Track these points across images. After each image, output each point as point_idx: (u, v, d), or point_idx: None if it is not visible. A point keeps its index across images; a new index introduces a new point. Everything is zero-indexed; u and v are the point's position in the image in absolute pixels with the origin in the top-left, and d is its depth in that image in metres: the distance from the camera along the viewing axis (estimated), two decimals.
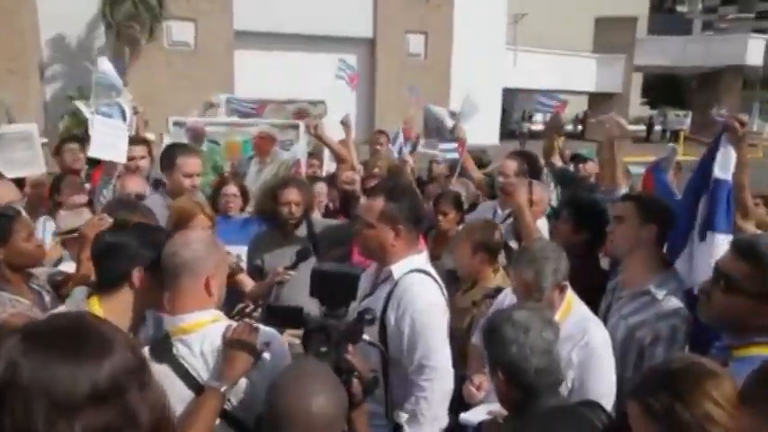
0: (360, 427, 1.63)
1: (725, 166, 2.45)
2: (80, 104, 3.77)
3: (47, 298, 2.43)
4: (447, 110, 5.12)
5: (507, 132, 26.00)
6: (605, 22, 31.31)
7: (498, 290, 2.85)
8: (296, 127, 4.82)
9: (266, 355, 1.72)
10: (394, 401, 2.29)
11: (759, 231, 3.12)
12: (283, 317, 1.73)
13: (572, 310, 2.28)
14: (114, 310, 1.78)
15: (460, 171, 4.50)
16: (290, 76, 17.60)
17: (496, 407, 1.99)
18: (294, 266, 3.14)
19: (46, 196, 3.95)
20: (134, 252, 1.82)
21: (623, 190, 3.17)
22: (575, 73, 29.07)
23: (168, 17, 18.03)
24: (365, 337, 1.71)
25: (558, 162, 4.15)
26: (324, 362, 1.57)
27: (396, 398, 2.31)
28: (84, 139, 3.70)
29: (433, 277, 2.42)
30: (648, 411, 1.29)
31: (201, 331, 1.76)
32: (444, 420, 2.28)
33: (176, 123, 4.85)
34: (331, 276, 1.76)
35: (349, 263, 3.45)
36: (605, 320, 2.45)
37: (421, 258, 2.46)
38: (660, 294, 2.34)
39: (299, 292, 3.38)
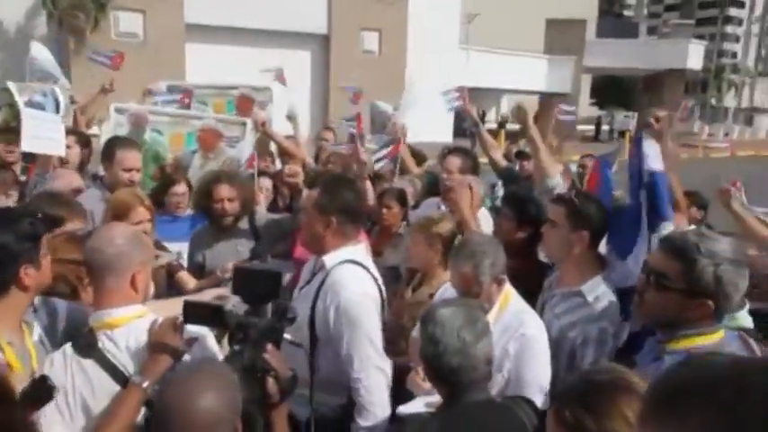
0: (279, 428, 1.62)
1: (655, 158, 2.52)
2: (14, 90, 3.59)
3: None
4: (391, 105, 5.14)
5: (461, 130, 26.32)
6: (556, 24, 32.10)
7: None
8: (243, 124, 4.73)
9: (193, 352, 1.71)
10: (321, 387, 2.37)
11: (691, 227, 3.27)
12: (202, 315, 1.65)
13: (509, 303, 2.32)
14: (3, 315, 1.71)
15: (400, 169, 4.52)
16: (244, 71, 17.29)
17: (436, 398, 2.01)
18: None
19: None
20: (15, 250, 1.70)
21: (555, 181, 3.17)
22: (526, 73, 29.68)
23: (116, 7, 17.48)
24: (287, 336, 1.69)
25: (501, 160, 4.21)
26: (235, 361, 1.54)
27: (323, 384, 2.38)
28: (19, 132, 3.55)
29: (366, 268, 2.45)
30: (560, 420, 1.28)
31: (127, 326, 1.74)
32: (388, 407, 2.33)
33: (118, 110, 4.68)
34: (253, 274, 1.75)
35: (289, 257, 3.46)
36: (540, 317, 2.48)
37: (356, 250, 2.48)
38: (591, 297, 2.39)
39: None
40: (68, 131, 3.98)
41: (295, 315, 1.71)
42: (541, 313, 2.49)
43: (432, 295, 2.96)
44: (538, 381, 2.17)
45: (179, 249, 3.23)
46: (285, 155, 4.68)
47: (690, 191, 4.23)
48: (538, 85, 30.93)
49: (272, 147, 4.91)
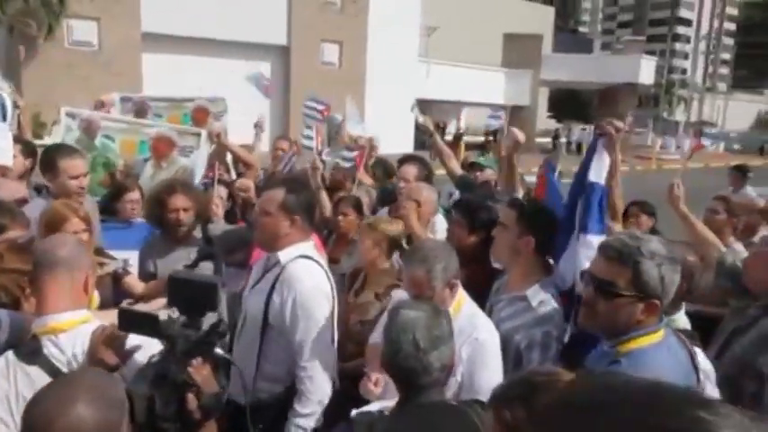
0: None
1: (599, 171, 2.59)
2: None
3: None
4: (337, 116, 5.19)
5: (420, 143, 26.58)
6: (513, 39, 32.80)
7: (399, 281, 2.93)
8: (198, 134, 4.69)
9: (135, 360, 1.67)
10: (264, 376, 2.56)
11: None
12: (136, 323, 1.57)
13: (462, 307, 2.35)
14: None
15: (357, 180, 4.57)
16: (203, 82, 17.15)
17: (391, 403, 2.02)
18: (194, 265, 3.09)
19: None
20: None
21: (518, 195, 3.30)
22: (485, 86, 30.22)
23: (69, 15, 17.10)
24: (218, 350, 1.61)
25: (458, 169, 4.28)
26: (148, 372, 1.48)
27: (267, 373, 2.58)
28: None
29: (320, 264, 2.60)
30: (499, 419, 1.29)
31: (73, 331, 1.71)
32: (327, 397, 2.49)
33: (69, 114, 4.57)
34: (188, 284, 1.64)
35: (245, 266, 3.43)
36: None
37: (308, 246, 2.63)
38: (535, 301, 2.44)
39: None
40: (14, 140, 3.87)
41: (226, 330, 1.64)
42: (489, 317, 2.53)
43: (377, 295, 3.00)
44: (491, 385, 2.16)
45: (126, 257, 3.18)
46: (242, 164, 4.65)
47: (639, 200, 4.40)
48: (497, 97, 31.44)
49: (228, 156, 4.88)
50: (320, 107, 5.01)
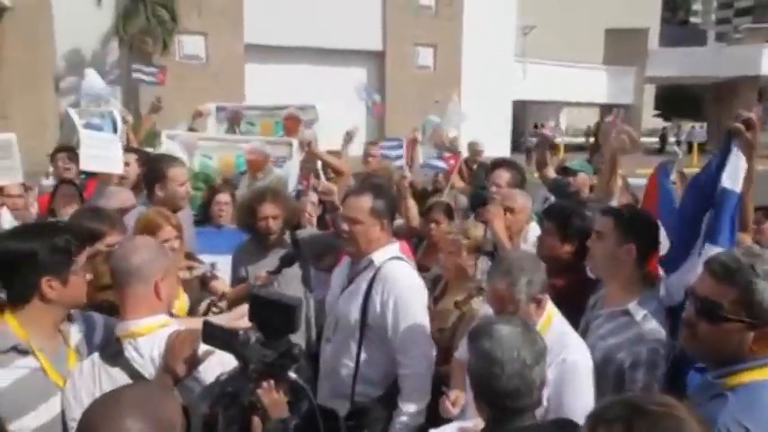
0: None
1: (734, 176, 2.25)
2: (73, 115, 3.80)
3: None
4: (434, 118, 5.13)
5: (518, 145, 25.94)
6: (616, 34, 31.28)
7: (480, 289, 2.86)
8: (289, 144, 4.82)
9: (207, 365, 1.68)
10: (363, 380, 2.63)
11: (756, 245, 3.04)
12: (216, 337, 1.55)
13: (551, 325, 2.20)
14: (32, 323, 1.78)
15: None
16: (301, 90, 17.70)
17: (470, 424, 1.93)
18: (278, 271, 3.17)
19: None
20: (40, 261, 1.75)
21: (614, 201, 3.06)
22: (585, 84, 29.01)
23: (181, 31, 18.28)
24: (291, 375, 1.54)
25: (552, 173, 4.10)
26: (215, 389, 1.45)
27: (366, 377, 2.64)
28: (77, 152, 3.74)
29: (410, 264, 2.74)
30: None
31: (151, 336, 1.78)
32: (429, 395, 2.55)
33: (169, 136, 4.86)
34: (268, 304, 1.58)
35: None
36: (584, 338, 2.35)
37: (395, 247, 2.74)
38: (639, 315, 2.24)
39: None
40: (130, 149, 4.15)
41: (300, 351, 1.57)
42: (585, 334, 2.36)
43: (457, 303, 2.92)
44: (578, 411, 2.00)
45: (213, 261, 3.29)
46: (333, 172, 4.71)
47: (764, 205, 3.96)
48: (598, 96, 30.18)
49: (318, 163, 4.97)
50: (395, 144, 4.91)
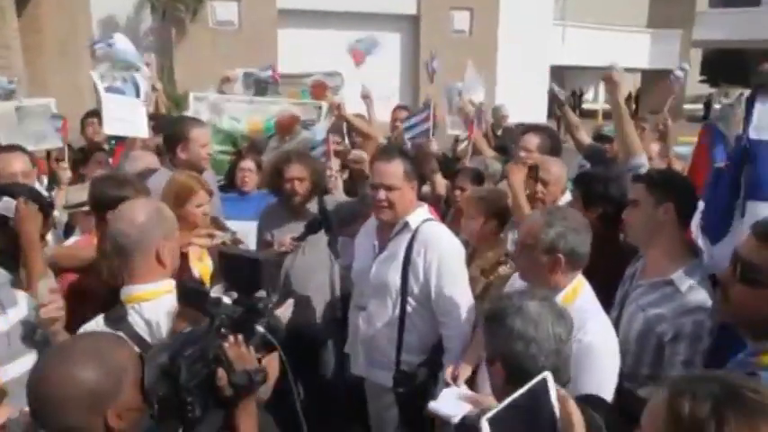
0: (242, 427, 1.47)
1: (762, 126, 2.13)
2: (96, 78, 3.79)
3: None
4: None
5: (554, 112, 25.31)
6: None
7: (506, 256, 2.81)
8: (319, 107, 4.77)
9: None
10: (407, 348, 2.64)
11: None
12: (189, 296, 1.57)
13: (576, 298, 2.07)
14: None
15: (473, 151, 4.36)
16: (334, 54, 17.49)
17: (469, 394, 1.82)
18: (302, 238, 3.15)
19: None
20: None
21: (641, 160, 2.89)
22: (627, 49, 27.88)
23: None
24: (259, 329, 1.53)
25: (586, 138, 3.92)
26: (178, 341, 1.44)
27: (409, 345, 2.65)
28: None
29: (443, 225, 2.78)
30: (674, 411, 1.03)
31: (156, 301, 1.77)
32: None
33: (197, 98, 4.85)
34: (234, 260, 1.61)
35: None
36: (621, 310, 2.25)
37: (426, 209, 2.76)
38: (684, 286, 2.10)
39: (309, 269, 3.36)
40: (150, 116, 4.14)
41: (264, 311, 1.55)
42: (622, 306, 2.25)
43: (483, 271, 2.84)
44: (594, 391, 1.88)
45: (235, 229, 3.28)
46: (360, 136, 4.63)
47: None
48: (640, 61, 29.05)
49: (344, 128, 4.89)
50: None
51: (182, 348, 1.39)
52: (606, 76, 3.09)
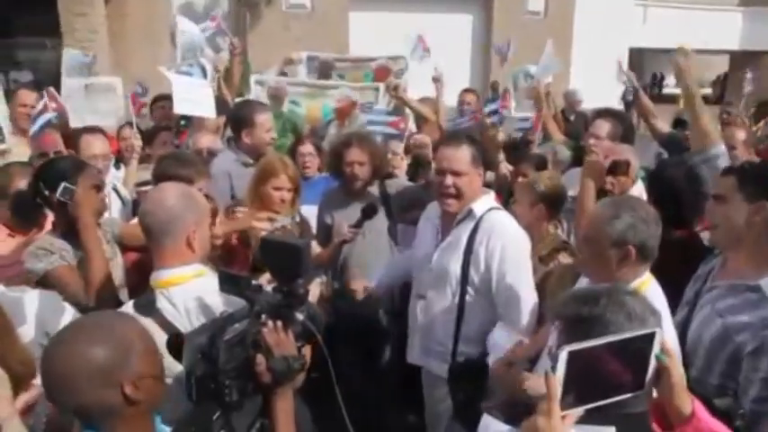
0: (277, 414, 1.45)
1: None
2: (164, 71, 3.93)
3: (107, 249, 2.54)
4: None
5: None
6: None
7: (566, 243, 2.72)
8: (376, 89, 4.74)
9: None
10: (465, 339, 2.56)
11: None
12: (229, 282, 1.56)
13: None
14: None
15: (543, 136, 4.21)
16: (405, 37, 17.36)
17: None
18: (359, 225, 3.14)
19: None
20: None
21: (718, 150, 2.69)
22: (715, 29, 26.18)
23: None
24: (299, 316, 1.51)
25: (663, 126, 3.70)
26: (217, 324, 1.43)
27: (467, 336, 2.57)
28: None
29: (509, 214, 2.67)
30: None
31: (185, 285, 1.76)
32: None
33: (258, 82, 4.91)
34: (275, 246, 1.59)
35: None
36: (691, 312, 2.10)
37: (492, 197, 2.68)
38: None
39: (369, 255, 3.35)
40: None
41: (303, 297, 1.54)
42: (692, 306, 2.09)
43: (541, 259, 2.74)
44: None
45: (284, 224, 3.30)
46: (421, 119, 4.57)
47: None
48: (730, 42, 27.22)
49: (407, 111, 4.84)
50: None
51: (220, 331, 1.40)
52: (673, 61, 2.88)
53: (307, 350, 1.57)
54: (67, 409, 1.30)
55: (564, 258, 2.71)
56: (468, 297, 2.56)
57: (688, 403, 1.28)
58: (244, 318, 1.47)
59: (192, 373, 1.37)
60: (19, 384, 1.53)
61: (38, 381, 1.55)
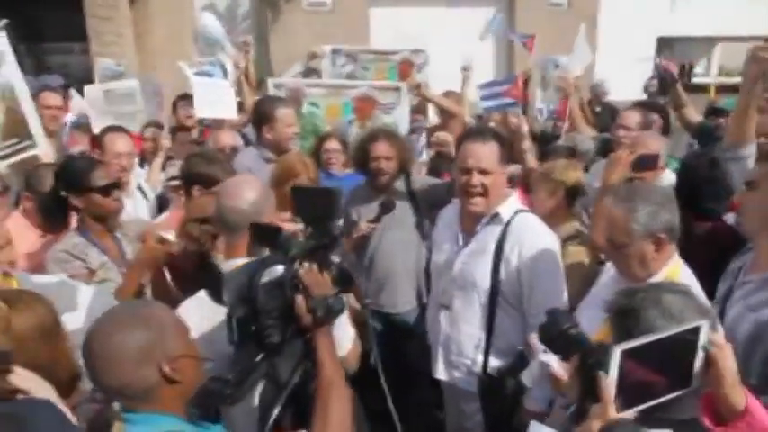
0: (321, 353, 1.48)
1: None
2: (184, 68, 3.95)
3: (127, 249, 2.56)
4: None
5: (662, 89, 23.67)
6: None
7: (579, 232, 2.65)
8: (397, 89, 4.69)
9: None
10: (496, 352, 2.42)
11: None
12: (263, 234, 1.60)
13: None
14: None
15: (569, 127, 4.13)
16: (426, 33, 17.27)
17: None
18: (377, 219, 3.12)
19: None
20: None
21: (748, 150, 2.57)
22: (748, 16, 25.46)
23: None
24: (335, 259, 1.55)
25: (694, 116, 3.61)
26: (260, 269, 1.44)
27: (497, 349, 2.43)
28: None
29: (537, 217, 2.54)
30: None
31: None
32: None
33: (276, 85, 4.91)
34: (307, 193, 1.67)
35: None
36: (723, 307, 2.02)
37: (517, 198, 2.54)
38: None
39: (396, 248, 3.32)
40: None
41: (337, 236, 1.57)
42: (725, 302, 2.02)
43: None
44: None
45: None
46: (445, 114, 4.52)
47: None
48: (762, 28, 26.53)
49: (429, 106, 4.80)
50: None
51: (257, 274, 1.42)
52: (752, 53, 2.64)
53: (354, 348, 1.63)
54: (110, 389, 1.36)
55: (573, 247, 2.64)
56: (497, 308, 2.42)
57: (741, 397, 1.23)
58: (276, 263, 1.49)
59: (233, 314, 1.40)
60: (63, 392, 1.55)
61: (82, 386, 1.64)
